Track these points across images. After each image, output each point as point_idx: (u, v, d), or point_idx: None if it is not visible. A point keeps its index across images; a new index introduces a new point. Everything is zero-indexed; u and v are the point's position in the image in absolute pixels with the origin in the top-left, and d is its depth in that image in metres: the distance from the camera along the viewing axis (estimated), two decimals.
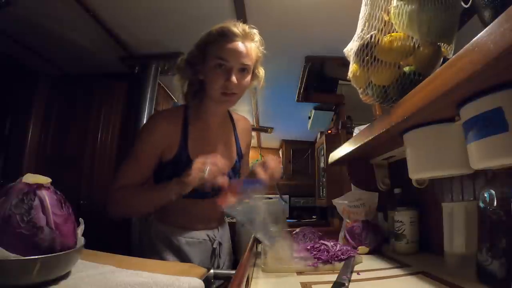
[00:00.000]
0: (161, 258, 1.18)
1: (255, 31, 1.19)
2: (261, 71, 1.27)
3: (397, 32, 0.87)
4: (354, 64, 0.98)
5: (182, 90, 1.26)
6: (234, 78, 1.11)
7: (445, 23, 0.80)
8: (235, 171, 1.33)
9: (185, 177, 1.03)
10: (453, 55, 0.83)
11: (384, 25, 0.89)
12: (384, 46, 0.87)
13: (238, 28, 1.13)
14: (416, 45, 0.84)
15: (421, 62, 0.85)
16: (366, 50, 0.90)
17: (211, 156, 1.05)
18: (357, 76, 0.97)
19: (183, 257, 1.20)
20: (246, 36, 1.14)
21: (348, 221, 1.42)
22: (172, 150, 1.18)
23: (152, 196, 1.14)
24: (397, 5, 0.83)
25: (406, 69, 0.87)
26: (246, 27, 1.16)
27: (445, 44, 0.86)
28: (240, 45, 1.12)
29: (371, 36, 0.90)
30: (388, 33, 0.88)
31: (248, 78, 1.18)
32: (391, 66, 0.87)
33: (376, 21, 0.90)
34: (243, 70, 1.15)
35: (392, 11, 0.86)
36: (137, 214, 1.16)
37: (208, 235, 1.28)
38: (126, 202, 1.13)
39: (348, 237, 1.31)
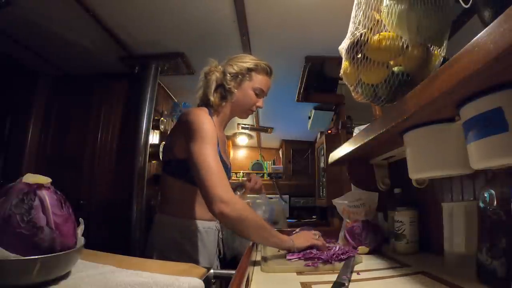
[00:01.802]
0: (181, 251, 1.34)
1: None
2: None
3: (388, 31, 0.87)
4: (346, 62, 0.98)
5: (211, 92, 1.45)
6: (262, 104, 1.52)
7: (435, 24, 0.80)
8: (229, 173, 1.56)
9: (299, 239, 1.20)
10: (444, 58, 0.84)
11: (375, 24, 0.89)
12: (373, 45, 0.87)
13: (271, 68, 1.53)
14: (405, 46, 0.84)
15: (410, 63, 0.85)
16: (356, 48, 0.90)
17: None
18: (348, 73, 0.97)
19: (204, 245, 1.40)
20: (272, 76, 1.55)
21: (348, 221, 1.42)
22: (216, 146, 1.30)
23: (270, 235, 1.16)
24: (388, 4, 0.83)
25: (395, 69, 0.87)
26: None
27: (435, 47, 0.86)
28: (270, 82, 1.54)
29: (361, 34, 0.90)
30: (379, 32, 0.88)
31: None
32: (380, 65, 0.88)
33: (367, 19, 0.90)
34: None
35: (383, 10, 0.86)
36: (248, 229, 1.14)
37: (216, 226, 1.49)
38: (250, 216, 1.14)
39: (348, 237, 1.31)
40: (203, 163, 1.17)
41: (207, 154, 1.19)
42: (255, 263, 1.08)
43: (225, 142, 1.55)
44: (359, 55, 0.90)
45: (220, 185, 1.13)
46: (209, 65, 1.51)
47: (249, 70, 1.46)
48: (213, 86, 1.45)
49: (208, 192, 1.12)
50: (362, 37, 0.89)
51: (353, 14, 0.97)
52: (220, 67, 1.50)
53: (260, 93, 1.47)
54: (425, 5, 0.78)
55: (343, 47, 1.00)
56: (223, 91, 1.46)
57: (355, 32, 0.93)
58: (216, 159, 1.19)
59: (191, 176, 1.21)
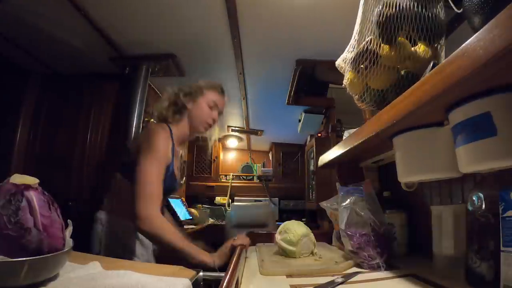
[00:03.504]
0: (125, 247, 1.40)
1: None
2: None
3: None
4: (350, 72, 0.99)
5: (167, 109, 1.55)
6: (217, 118, 1.63)
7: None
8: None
9: (219, 256, 1.27)
10: (433, 63, 0.85)
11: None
12: (386, 50, 0.88)
13: (223, 88, 1.67)
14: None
15: (418, 64, 0.86)
16: (366, 55, 0.91)
17: (247, 239, 1.39)
18: (354, 83, 0.98)
19: (143, 244, 1.44)
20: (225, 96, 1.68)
21: (336, 223, 1.42)
22: (167, 162, 1.40)
23: (184, 246, 1.22)
24: None
25: (403, 72, 0.88)
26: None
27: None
28: (224, 101, 1.66)
29: (369, 41, 0.91)
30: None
31: None
32: (390, 70, 0.89)
33: (371, 29, 0.92)
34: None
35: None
36: (165, 245, 1.24)
37: None
38: (167, 233, 1.22)
39: (339, 241, 1.31)
40: (140, 177, 1.26)
41: (147, 170, 1.28)
42: (245, 266, 1.08)
43: (182, 158, 1.72)
44: (367, 62, 0.91)
45: (144, 201, 1.22)
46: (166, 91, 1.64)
47: (202, 87, 1.60)
48: (168, 103, 1.57)
49: (134, 206, 1.21)
50: (371, 44, 0.90)
51: (356, 29, 0.98)
52: (175, 88, 1.61)
53: (214, 107, 1.59)
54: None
55: (343, 60, 1.01)
56: (178, 107, 1.56)
57: (355, 43, 0.94)
58: (155, 176, 1.29)
59: None
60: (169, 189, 1.46)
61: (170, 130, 1.48)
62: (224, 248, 1.30)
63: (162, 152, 1.35)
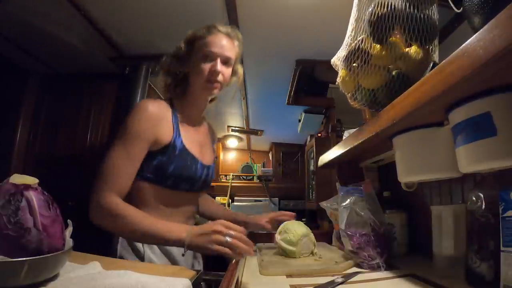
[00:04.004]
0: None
1: (238, 32, 1.31)
2: (240, 69, 1.39)
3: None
4: (343, 70, 0.99)
5: (166, 83, 1.30)
6: (219, 66, 1.20)
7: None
8: (211, 173, 1.35)
9: (199, 235, 0.96)
10: (433, 63, 0.85)
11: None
12: (377, 50, 0.89)
13: (223, 26, 1.27)
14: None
15: (410, 66, 0.86)
16: (357, 54, 0.91)
17: (233, 226, 0.97)
18: (346, 81, 0.98)
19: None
20: (229, 33, 1.27)
21: (336, 223, 1.42)
22: (165, 137, 1.15)
23: (150, 228, 1.00)
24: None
25: (394, 72, 0.88)
26: (230, 27, 1.29)
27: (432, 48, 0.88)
28: (224, 39, 1.24)
29: (361, 40, 0.92)
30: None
31: (230, 70, 1.28)
32: (381, 69, 0.89)
33: (364, 28, 0.92)
34: (226, 62, 1.24)
35: None
36: (122, 234, 1.08)
37: None
38: (118, 219, 1.01)
39: (339, 241, 1.31)
40: (103, 162, 1.08)
41: (108, 155, 1.09)
42: (245, 266, 1.08)
43: (200, 135, 1.36)
44: (359, 61, 0.91)
45: (96, 190, 1.05)
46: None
47: (188, 43, 1.27)
48: (163, 78, 1.31)
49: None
50: (363, 43, 0.91)
51: (349, 28, 0.98)
52: (167, 57, 1.32)
53: (210, 56, 1.21)
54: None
55: (337, 58, 1.02)
56: (174, 79, 1.30)
57: (348, 41, 0.94)
58: (115, 159, 1.07)
59: (153, 169, 1.14)
60: (183, 171, 1.18)
61: (172, 104, 1.26)
62: (207, 227, 0.96)
63: (134, 130, 1.09)
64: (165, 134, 1.16)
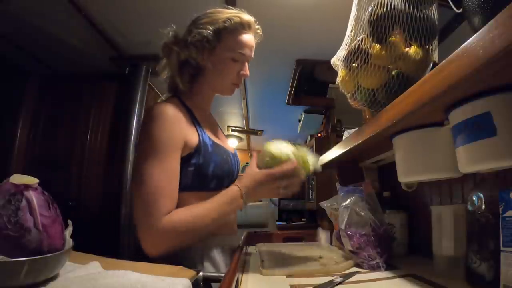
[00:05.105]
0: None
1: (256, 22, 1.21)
2: None
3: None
4: (343, 70, 1.00)
5: (172, 72, 1.17)
6: (248, 71, 1.15)
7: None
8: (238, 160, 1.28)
9: (255, 192, 1.00)
10: (433, 63, 0.85)
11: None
12: (377, 49, 0.89)
13: (251, 20, 1.16)
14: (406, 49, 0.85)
15: (410, 66, 0.86)
16: (357, 53, 0.91)
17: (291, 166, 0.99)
18: (346, 81, 0.99)
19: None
20: (256, 33, 1.20)
21: (336, 223, 1.41)
22: (192, 138, 1.04)
23: (216, 210, 0.96)
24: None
25: (394, 72, 0.88)
26: (252, 19, 1.18)
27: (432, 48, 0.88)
28: (253, 39, 1.17)
29: (361, 40, 0.92)
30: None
31: None
32: (381, 69, 0.89)
33: (363, 28, 0.92)
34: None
35: None
36: (199, 237, 1.00)
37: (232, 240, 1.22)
38: (184, 231, 0.93)
39: (339, 241, 1.31)
40: (137, 187, 0.95)
41: (145, 174, 0.94)
42: (244, 266, 1.08)
43: (215, 126, 1.28)
44: (359, 61, 0.91)
45: (144, 219, 0.91)
46: (164, 39, 1.19)
47: (217, 32, 1.10)
48: (176, 67, 1.15)
49: (136, 224, 0.93)
50: (363, 43, 0.91)
51: (349, 28, 0.98)
52: (179, 37, 1.17)
53: (240, 58, 1.12)
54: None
55: (337, 58, 1.02)
56: (192, 69, 1.15)
57: (348, 41, 0.94)
58: (156, 179, 0.93)
59: (191, 174, 1.03)
60: (223, 167, 1.09)
61: (183, 102, 1.12)
62: (259, 179, 0.99)
63: (163, 139, 0.97)
64: (191, 134, 1.05)
